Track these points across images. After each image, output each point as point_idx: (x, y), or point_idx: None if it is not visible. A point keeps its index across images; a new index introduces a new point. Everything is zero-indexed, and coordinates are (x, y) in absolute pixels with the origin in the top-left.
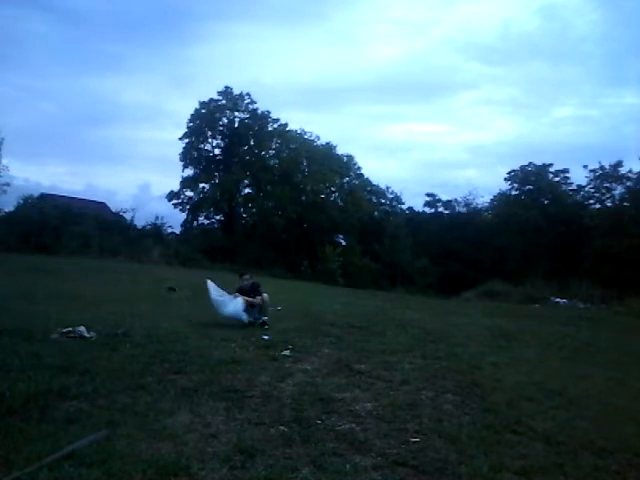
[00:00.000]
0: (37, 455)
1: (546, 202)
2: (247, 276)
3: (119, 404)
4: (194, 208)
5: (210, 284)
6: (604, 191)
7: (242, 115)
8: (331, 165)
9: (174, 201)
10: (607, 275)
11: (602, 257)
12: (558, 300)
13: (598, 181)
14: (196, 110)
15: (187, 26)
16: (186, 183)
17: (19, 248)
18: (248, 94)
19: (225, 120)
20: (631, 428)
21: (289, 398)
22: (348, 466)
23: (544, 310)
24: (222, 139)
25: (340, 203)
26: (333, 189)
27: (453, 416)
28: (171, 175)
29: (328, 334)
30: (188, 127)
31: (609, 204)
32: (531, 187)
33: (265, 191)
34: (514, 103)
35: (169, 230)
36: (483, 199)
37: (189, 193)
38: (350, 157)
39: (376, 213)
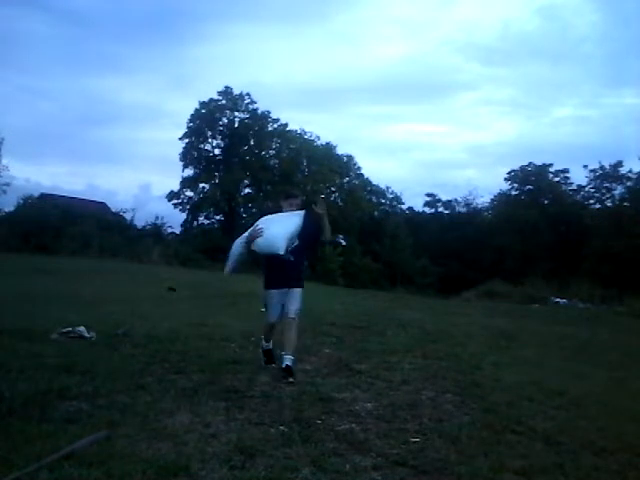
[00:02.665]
0: (37, 455)
1: (546, 202)
2: (297, 200)
3: (119, 404)
4: (194, 208)
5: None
6: (604, 191)
7: (242, 115)
8: (331, 165)
9: (174, 201)
10: (607, 275)
11: (602, 257)
12: (558, 300)
13: (598, 181)
14: (196, 110)
15: (187, 26)
16: (186, 183)
17: (19, 248)
18: (248, 94)
19: (225, 120)
20: (631, 428)
21: (289, 398)
22: (348, 466)
23: (544, 310)
24: (222, 139)
25: (340, 203)
26: (333, 189)
27: (453, 416)
28: (171, 175)
29: (328, 334)
30: (188, 127)
31: (609, 204)
32: (531, 187)
33: (265, 191)
34: (514, 103)
35: (169, 230)
36: (483, 199)
37: (189, 193)
38: (350, 157)
39: (376, 213)
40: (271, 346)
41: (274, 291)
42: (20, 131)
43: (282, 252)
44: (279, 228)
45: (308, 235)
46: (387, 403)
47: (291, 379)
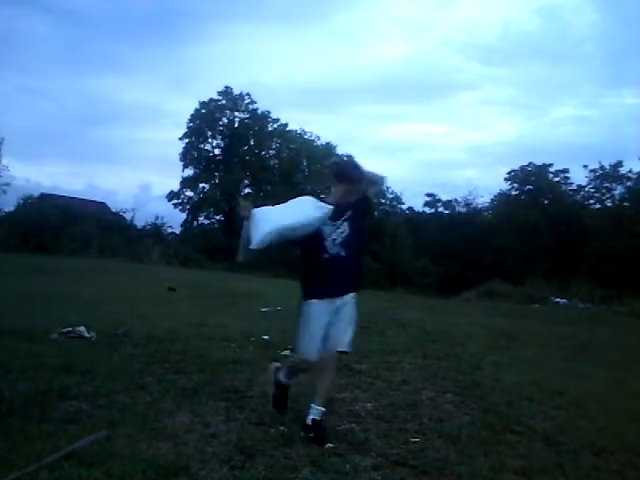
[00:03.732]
0: (37, 455)
1: (546, 202)
2: (358, 187)
3: (119, 404)
4: (194, 208)
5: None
6: (604, 191)
7: (242, 115)
8: None
9: (174, 201)
10: (607, 275)
11: (602, 257)
12: (558, 300)
13: (598, 181)
14: (196, 110)
15: (187, 26)
16: (186, 183)
17: (19, 248)
18: (248, 94)
19: (225, 120)
20: (631, 428)
21: (289, 398)
22: (348, 466)
23: (544, 310)
24: (222, 139)
25: None
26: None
27: (453, 416)
28: (171, 175)
29: None
30: (188, 127)
31: (609, 204)
32: (531, 187)
33: (265, 191)
34: (514, 103)
35: (169, 230)
36: (483, 199)
37: (189, 193)
38: (350, 157)
39: (376, 213)
40: (291, 383)
41: (318, 303)
42: (20, 131)
43: (253, 246)
44: (273, 215)
45: (361, 217)
46: (387, 403)
47: (324, 442)
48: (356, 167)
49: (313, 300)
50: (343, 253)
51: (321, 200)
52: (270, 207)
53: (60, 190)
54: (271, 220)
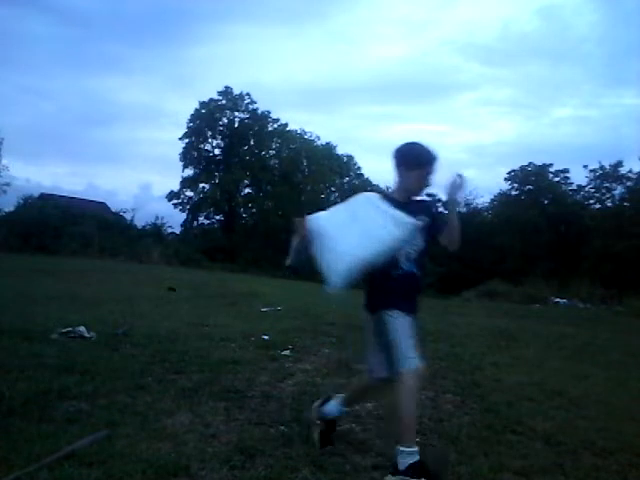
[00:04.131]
0: (37, 455)
1: (546, 202)
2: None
3: (119, 404)
4: (194, 208)
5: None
6: (604, 191)
7: (242, 115)
8: (331, 165)
9: (174, 201)
10: (607, 275)
11: (602, 257)
12: (558, 300)
13: (598, 181)
14: (196, 110)
15: (187, 26)
16: (186, 183)
17: (19, 248)
18: (248, 94)
19: (225, 120)
20: (631, 428)
21: (289, 398)
22: (348, 466)
23: (544, 310)
24: (222, 139)
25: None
26: (333, 189)
27: (453, 416)
28: (171, 175)
29: (328, 334)
30: (188, 127)
31: (609, 204)
32: (531, 187)
33: (265, 191)
34: (514, 103)
35: (169, 230)
36: (483, 199)
37: (189, 193)
38: (350, 157)
39: None
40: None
41: (401, 314)
42: (20, 131)
43: (332, 290)
44: (355, 239)
45: (431, 230)
46: (387, 403)
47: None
48: (427, 148)
49: (395, 311)
50: (416, 270)
51: (386, 197)
52: (332, 220)
53: (60, 190)
54: (344, 251)
